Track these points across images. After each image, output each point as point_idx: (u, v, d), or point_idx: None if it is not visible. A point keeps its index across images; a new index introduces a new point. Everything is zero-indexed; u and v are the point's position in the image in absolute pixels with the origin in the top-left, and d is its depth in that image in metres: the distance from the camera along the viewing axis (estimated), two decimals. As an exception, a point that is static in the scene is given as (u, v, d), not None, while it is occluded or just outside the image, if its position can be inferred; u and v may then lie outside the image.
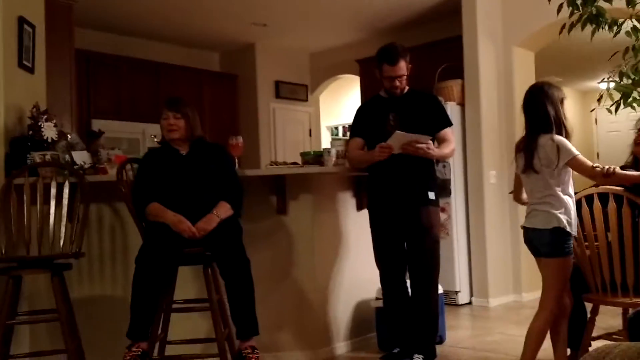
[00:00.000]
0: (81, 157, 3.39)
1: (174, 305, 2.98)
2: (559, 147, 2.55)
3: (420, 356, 3.20)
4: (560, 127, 2.62)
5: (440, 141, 3.30)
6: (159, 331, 2.91)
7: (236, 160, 3.42)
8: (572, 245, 2.65)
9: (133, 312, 2.75)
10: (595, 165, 2.56)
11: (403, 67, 3.26)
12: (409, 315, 3.31)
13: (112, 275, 3.43)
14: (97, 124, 5.65)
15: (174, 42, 6.83)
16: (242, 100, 7.27)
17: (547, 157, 2.57)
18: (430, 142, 3.17)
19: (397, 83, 3.28)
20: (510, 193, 3.04)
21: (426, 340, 3.28)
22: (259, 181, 3.46)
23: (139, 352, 2.70)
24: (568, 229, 2.59)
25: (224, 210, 2.89)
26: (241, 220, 3.03)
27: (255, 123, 7.17)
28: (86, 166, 3.34)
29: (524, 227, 2.75)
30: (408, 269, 3.32)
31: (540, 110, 2.63)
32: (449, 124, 3.34)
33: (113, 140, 5.47)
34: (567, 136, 2.63)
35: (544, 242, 2.62)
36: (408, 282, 3.39)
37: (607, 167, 2.53)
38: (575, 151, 2.56)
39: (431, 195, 3.27)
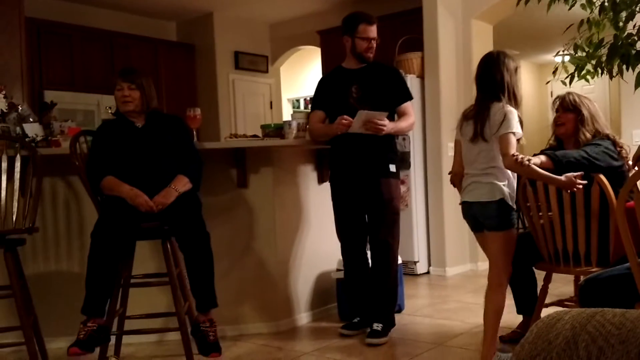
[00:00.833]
0: (33, 129, 3.28)
1: (133, 280, 2.94)
2: (505, 117, 2.56)
3: (380, 324, 3.26)
4: (513, 95, 2.64)
5: (400, 114, 3.32)
6: (118, 306, 2.88)
7: (194, 132, 3.36)
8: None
9: (88, 288, 2.70)
10: (515, 153, 2.53)
11: (376, 30, 3.28)
12: (369, 286, 3.37)
13: (67, 250, 3.37)
14: (49, 95, 5.46)
15: (128, 10, 6.62)
16: (200, 71, 7.14)
17: (496, 125, 2.58)
18: (386, 119, 3.18)
19: (374, 44, 3.29)
20: (449, 174, 2.98)
21: (386, 309, 3.34)
22: (219, 154, 3.42)
23: (94, 327, 2.66)
24: (510, 202, 2.62)
25: (182, 183, 2.85)
26: (200, 194, 3.00)
27: (214, 94, 7.05)
28: (38, 139, 3.24)
29: (465, 202, 2.72)
30: (369, 241, 3.37)
31: (496, 78, 2.64)
32: (409, 97, 3.36)
33: (67, 112, 5.32)
34: (517, 105, 2.65)
35: (490, 214, 2.62)
36: (368, 253, 3.44)
37: (523, 157, 2.51)
38: (513, 129, 2.56)
39: (392, 167, 3.31)
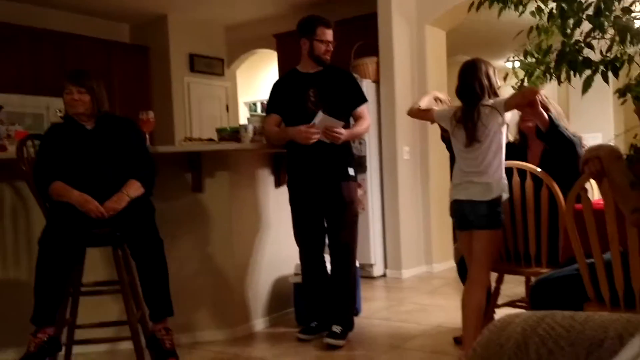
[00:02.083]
0: (-23, 133, 3.15)
1: (83, 288, 2.85)
2: (494, 102, 2.64)
3: (339, 327, 3.26)
4: (494, 95, 2.71)
5: (356, 118, 3.34)
6: (67, 315, 2.79)
7: (147, 136, 3.29)
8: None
9: (37, 296, 2.61)
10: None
11: (333, 33, 3.31)
12: (328, 289, 3.38)
13: (15, 258, 3.24)
14: (-5, 98, 5.26)
15: (80, 11, 6.46)
16: (154, 73, 7.01)
17: (488, 120, 2.64)
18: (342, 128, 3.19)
19: (331, 48, 3.30)
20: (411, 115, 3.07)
21: (345, 312, 3.35)
22: (173, 158, 3.36)
23: (45, 338, 2.57)
24: (505, 196, 2.67)
25: (134, 188, 2.78)
26: (153, 199, 2.93)
27: (168, 98, 6.94)
28: (-18, 143, 3.12)
29: (455, 200, 2.75)
30: (328, 244, 3.37)
31: (476, 83, 2.69)
32: (364, 100, 3.38)
33: (15, 116, 5.14)
34: None
35: (481, 214, 2.65)
36: (325, 257, 3.44)
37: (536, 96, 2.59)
38: (504, 97, 2.64)
39: (351, 171, 3.33)
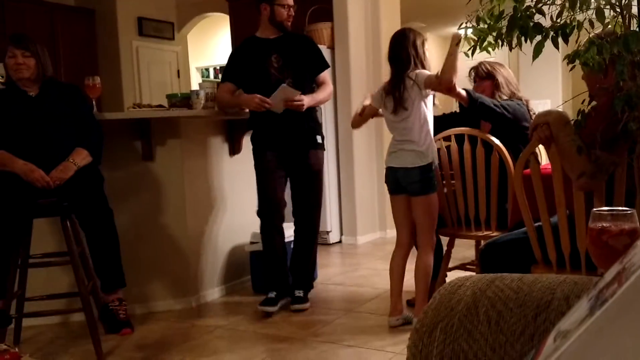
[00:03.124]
0: None
1: (31, 260, 2.78)
2: (416, 75, 2.74)
3: (301, 291, 3.31)
4: (421, 66, 2.80)
5: (319, 84, 3.30)
6: (16, 288, 2.72)
7: (94, 102, 3.18)
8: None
9: None
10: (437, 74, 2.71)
11: None
12: (287, 259, 3.36)
13: (-44, 231, 3.11)
14: None
15: (18, -30, 6.12)
16: (101, 38, 6.75)
17: (414, 90, 2.74)
18: (302, 95, 3.14)
19: (292, 12, 3.24)
20: (354, 118, 3.14)
21: (307, 277, 3.39)
22: (122, 125, 3.27)
23: (-7, 313, 2.51)
24: (436, 162, 2.79)
25: (81, 157, 2.70)
26: (102, 168, 2.85)
27: (116, 63, 6.71)
28: None
29: (390, 167, 2.85)
30: (293, 211, 3.34)
31: (403, 55, 2.79)
32: (327, 66, 3.34)
33: (-49, 81, 4.89)
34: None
35: (414, 180, 2.77)
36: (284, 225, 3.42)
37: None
38: (427, 73, 2.74)
39: (318, 138, 3.32)
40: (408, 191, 2.82)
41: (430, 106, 2.84)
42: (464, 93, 2.80)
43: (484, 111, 2.83)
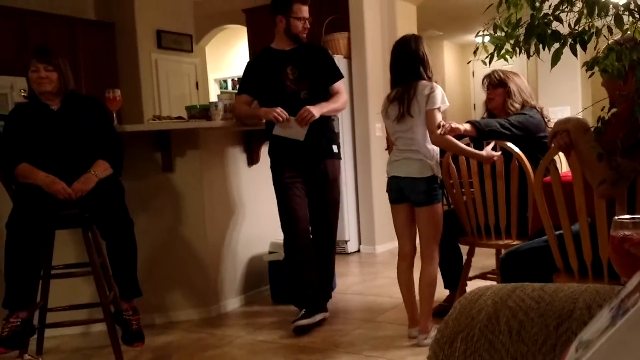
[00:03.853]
0: (-64, 114, 3.05)
1: (53, 271, 2.81)
2: (431, 92, 2.67)
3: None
4: (428, 70, 2.75)
5: (333, 94, 3.29)
6: (39, 299, 2.75)
7: (114, 114, 3.23)
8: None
9: (8, 281, 2.56)
10: (440, 122, 2.67)
11: (308, 9, 3.24)
12: (314, 271, 3.29)
13: (-20, 242, 3.17)
14: (-44, 78, 5.10)
15: (41, -14, 6.25)
16: (120, 50, 6.85)
17: (424, 100, 2.68)
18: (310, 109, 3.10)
19: (308, 24, 3.24)
20: (387, 150, 3.07)
21: (325, 286, 3.38)
22: (142, 137, 3.31)
23: (18, 322, 2.54)
24: (439, 177, 2.75)
25: (102, 169, 2.74)
26: (123, 179, 2.89)
27: (136, 75, 6.79)
28: (-58, 124, 3.01)
29: (395, 176, 2.79)
30: (310, 221, 3.30)
31: (417, 56, 2.73)
32: (340, 76, 3.34)
33: (-24, 96, 4.99)
34: (430, 80, 2.75)
35: (419, 190, 2.71)
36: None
37: (445, 124, 2.66)
38: (438, 104, 2.67)
39: (335, 148, 3.31)
40: (411, 201, 2.77)
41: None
42: (468, 127, 2.78)
43: (495, 137, 2.80)
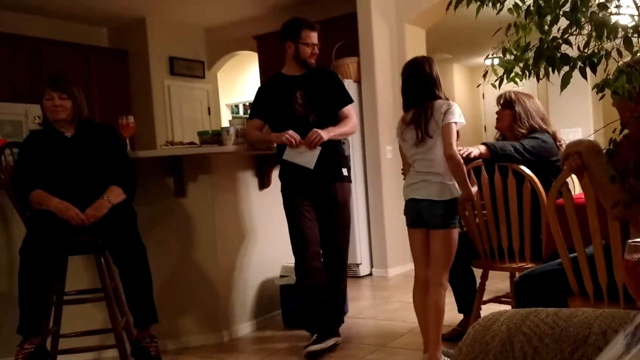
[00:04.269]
0: (-47, 142, 3.10)
1: (66, 297, 2.82)
2: (449, 108, 2.63)
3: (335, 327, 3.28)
4: (440, 90, 2.71)
5: (343, 118, 3.31)
6: (51, 325, 2.76)
7: (127, 141, 3.26)
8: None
9: (22, 306, 2.58)
10: (458, 148, 2.65)
11: (317, 35, 3.28)
12: (326, 295, 3.27)
13: (-5, 268, 3.19)
14: (-28, 106, 5.19)
15: (56, 16, 6.38)
16: (134, 77, 6.95)
17: (440, 117, 2.63)
18: (319, 131, 3.12)
19: (316, 50, 3.27)
20: (402, 172, 3.02)
21: (337, 311, 3.36)
22: (154, 163, 3.33)
23: (32, 348, 2.55)
24: (458, 196, 2.68)
25: (115, 195, 2.76)
26: (136, 204, 2.91)
27: (149, 101, 6.88)
28: (-41, 152, 3.06)
29: (412, 199, 2.74)
30: (321, 244, 3.28)
31: (430, 77, 2.70)
32: (350, 100, 3.35)
33: (-8, 123, 5.08)
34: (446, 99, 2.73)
35: (437, 214, 2.66)
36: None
37: (463, 151, 2.67)
38: (455, 119, 2.63)
39: (344, 171, 3.31)
40: (429, 224, 2.71)
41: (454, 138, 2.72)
42: (483, 150, 2.79)
43: (509, 160, 2.78)
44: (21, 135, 5.17)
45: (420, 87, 2.72)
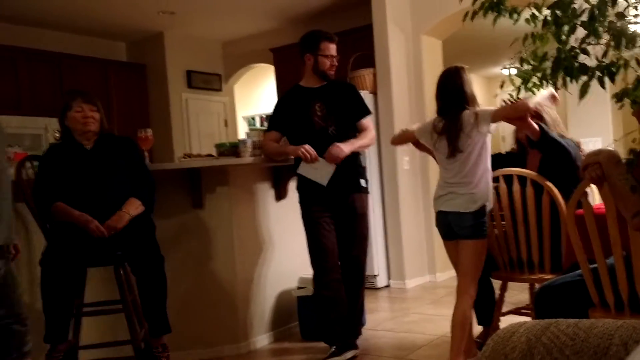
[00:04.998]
0: (-24, 155, 3.15)
1: (85, 309, 2.84)
2: (477, 114, 2.62)
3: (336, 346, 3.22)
4: (475, 104, 2.70)
5: (361, 130, 3.31)
6: (70, 336, 2.78)
7: (146, 153, 3.30)
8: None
9: (47, 316, 2.63)
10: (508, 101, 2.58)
11: (336, 47, 3.29)
12: (345, 307, 3.26)
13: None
14: (-6, 120, 5.28)
15: (75, 31, 6.49)
16: (152, 91, 7.04)
17: (472, 130, 2.62)
18: (339, 146, 3.12)
19: (336, 62, 3.28)
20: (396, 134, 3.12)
21: (354, 323, 3.33)
22: (173, 175, 3.36)
23: (60, 356, 2.62)
24: (488, 206, 2.67)
25: (134, 207, 2.78)
26: (154, 216, 2.93)
27: (167, 114, 6.95)
28: (-18, 165, 3.11)
29: (441, 211, 2.74)
30: (339, 256, 3.27)
31: (459, 91, 2.69)
32: (368, 112, 3.35)
33: (14, 137, 5.16)
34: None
35: (465, 225, 2.65)
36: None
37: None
38: (492, 108, 2.64)
39: (362, 182, 3.31)
40: (459, 235, 2.70)
41: (489, 145, 2.72)
42: (535, 126, 2.70)
43: (554, 147, 2.73)
44: (40, 149, 5.24)
45: (450, 98, 2.72)
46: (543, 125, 2.77)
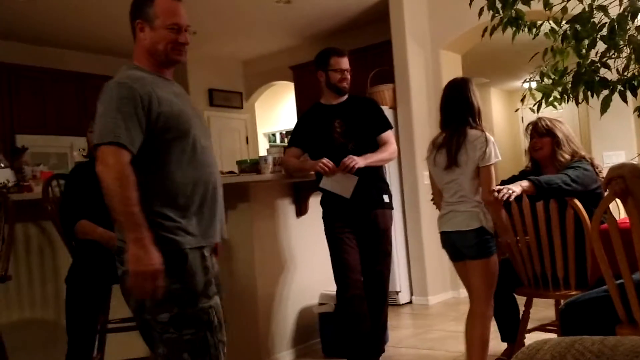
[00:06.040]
0: (4, 175, 3.24)
1: (110, 326, 2.87)
2: (487, 147, 2.58)
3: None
4: (479, 118, 2.67)
5: (382, 144, 3.31)
6: (95, 353, 2.80)
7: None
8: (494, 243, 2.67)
9: (70, 335, 2.64)
10: (497, 188, 2.57)
11: (348, 61, 3.31)
12: (368, 324, 3.23)
13: (42, 297, 3.27)
14: (21, 140, 5.41)
15: (99, 51, 6.62)
16: (175, 109, 7.12)
17: (475, 153, 2.59)
18: (355, 158, 3.11)
19: (347, 75, 3.30)
20: (432, 201, 2.99)
21: (377, 340, 3.31)
22: (194, 192, 3.39)
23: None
24: (488, 229, 2.61)
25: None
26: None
27: (189, 132, 7.02)
28: (10, 184, 3.19)
29: (443, 232, 2.71)
30: (362, 272, 3.25)
31: (466, 102, 2.66)
32: (389, 126, 3.36)
33: (40, 156, 5.26)
34: (481, 128, 2.67)
35: (469, 244, 2.61)
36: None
37: (501, 190, 2.55)
38: (493, 160, 2.59)
39: (386, 198, 3.30)
40: (466, 256, 2.65)
41: (494, 180, 2.66)
42: (526, 186, 2.64)
43: (556, 193, 2.67)
44: (66, 167, 5.34)
45: (454, 110, 2.69)
46: (534, 180, 2.68)
